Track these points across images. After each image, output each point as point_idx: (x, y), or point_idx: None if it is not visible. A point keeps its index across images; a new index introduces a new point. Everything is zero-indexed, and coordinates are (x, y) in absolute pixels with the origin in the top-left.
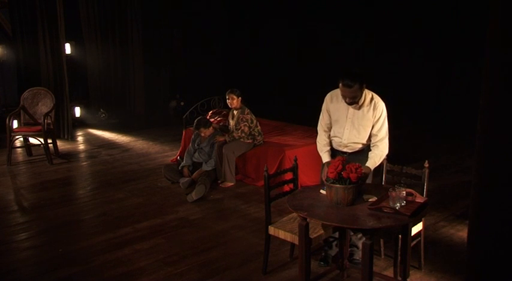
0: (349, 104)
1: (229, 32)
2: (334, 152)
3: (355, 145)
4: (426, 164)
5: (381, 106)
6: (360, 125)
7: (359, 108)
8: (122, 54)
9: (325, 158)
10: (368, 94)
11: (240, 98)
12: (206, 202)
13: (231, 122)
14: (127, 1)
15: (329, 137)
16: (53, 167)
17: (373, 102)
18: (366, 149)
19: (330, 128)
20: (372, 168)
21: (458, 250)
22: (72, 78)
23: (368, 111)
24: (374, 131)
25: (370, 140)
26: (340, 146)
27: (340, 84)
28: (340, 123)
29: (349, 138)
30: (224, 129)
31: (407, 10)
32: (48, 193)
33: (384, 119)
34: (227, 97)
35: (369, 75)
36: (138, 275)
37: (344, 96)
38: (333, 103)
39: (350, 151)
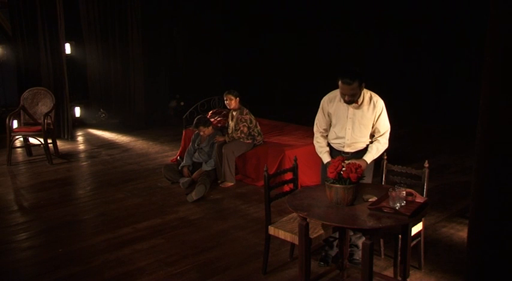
0: (348, 102)
1: (229, 32)
2: (336, 154)
3: (358, 144)
4: (426, 164)
5: (380, 103)
6: (361, 124)
7: (358, 107)
8: (121, 54)
9: (326, 158)
10: (366, 93)
11: (238, 98)
12: (206, 202)
13: (231, 123)
14: (127, 1)
15: (326, 138)
16: (53, 167)
17: (372, 100)
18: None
19: (326, 131)
20: (369, 161)
21: (458, 250)
22: (72, 78)
23: (368, 110)
24: (376, 127)
25: (372, 137)
26: (342, 147)
27: (340, 82)
28: (342, 124)
29: (352, 137)
30: (222, 130)
31: (408, 10)
32: (48, 193)
33: (385, 115)
34: (225, 98)
35: (369, 75)
36: (138, 275)
37: (343, 95)
38: (332, 104)
39: (353, 151)
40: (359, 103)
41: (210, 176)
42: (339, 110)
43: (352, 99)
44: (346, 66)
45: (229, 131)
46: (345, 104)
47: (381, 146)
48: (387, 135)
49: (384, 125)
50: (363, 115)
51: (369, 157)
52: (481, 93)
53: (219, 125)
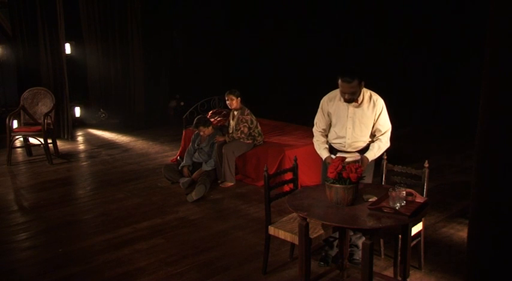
0: (348, 101)
1: (229, 32)
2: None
3: (358, 143)
4: (426, 164)
5: (380, 102)
6: (361, 123)
7: (358, 106)
8: (121, 54)
9: (325, 153)
10: (366, 92)
11: (239, 98)
12: (206, 202)
13: (232, 123)
14: (127, 1)
15: (325, 137)
16: (53, 167)
17: (372, 99)
18: (368, 147)
19: (325, 131)
20: (371, 159)
21: (458, 250)
22: (72, 78)
23: (368, 108)
24: (377, 127)
25: (373, 137)
26: (343, 146)
27: (340, 81)
28: (342, 123)
29: (353, 137)
30: (222, 129)
31: (408, 10)
32: (48, 193)
33: (385, 114)
34: (226, 98)
35: (369, 74)
36: (138, 275)
37: (343, 93)
38: (332, 104)
39: (354, 150)
40: (359, 102)
41: (210, 176)
42: (339, 110)
43: (352, 97)
44: (346, 65)
45: (230, 131)
46: (345, 104)
47: (382, 144)
48: (388, 134)
49: (385, 124)
50: (363, 114)
51: (371, 155)
52: (481, 93)
53: (219, 124)
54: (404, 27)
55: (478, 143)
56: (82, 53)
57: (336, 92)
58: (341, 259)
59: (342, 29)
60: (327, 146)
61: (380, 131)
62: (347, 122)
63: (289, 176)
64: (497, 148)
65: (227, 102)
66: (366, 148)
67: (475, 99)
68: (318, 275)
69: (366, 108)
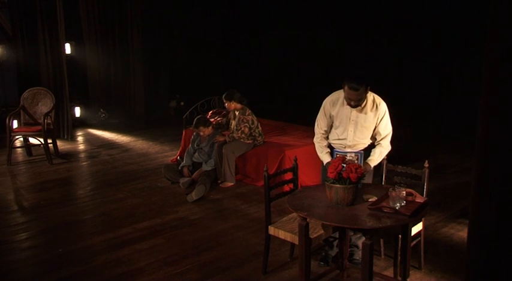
0: (354, 107)
1: (229, 32)
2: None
3: (359, 145)
4: (426, 164)
5: (383, 106)
6: (363, 127)
7: (362, 110)
8: (121, 54)
9: (326, 159)
10: (369, 96)
11: (233, 101)
12: (206, 202)
13: (232, 122)
14: (127, 1)
15: (326, 139)
16: (53, 167)
17: (375, 103)
18: (370, 147)
19: (326, 132)
20: (372, 165)
21: (458, 250)
22: (72, 78)
23: (371, 112)
24: (378, 130)
25: (374, 139)
26: (344, 147)
27: (346, 87)
28: (344, 126)
29: (354, 139)
30: (220, 126)
31: (408, 11)
32: (48, 193)
33: (387, 118)
34: (224, 101)
35: (370, 75)
36: (138, 275)
37: (349, 99)
38: (335, 107)
39: (354, 151)
40: (362, 106)
41: (210, 176)
42: (342, 113)
43: (357, 103)
44: (352, 70)
45: (231, 131)
46: (348, 107)
47: (383, 149)
48: (389, 138)
49: (386, 128)
50: (366, 118)
51: (373, 161)
52: (481, 93)
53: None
54: (404, 26)
55: (478, 143)
56: (82, 53)
57: (339, 94)
58: (341, 259)
59: (342, 28)
60: (328, 150)
61: (381, 134)
62: (349, 125)
63: (289, 176)
64: (497, 148)
65: (225, 105)
66: (366, 148)
67: (475, 99)
68: (318, 275)
69: (368, 112)
